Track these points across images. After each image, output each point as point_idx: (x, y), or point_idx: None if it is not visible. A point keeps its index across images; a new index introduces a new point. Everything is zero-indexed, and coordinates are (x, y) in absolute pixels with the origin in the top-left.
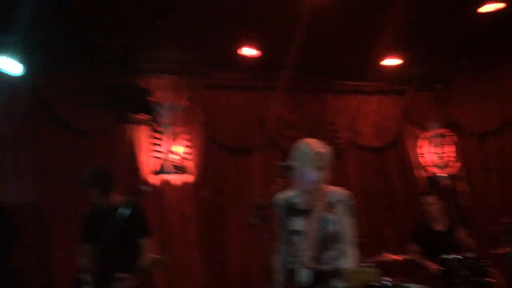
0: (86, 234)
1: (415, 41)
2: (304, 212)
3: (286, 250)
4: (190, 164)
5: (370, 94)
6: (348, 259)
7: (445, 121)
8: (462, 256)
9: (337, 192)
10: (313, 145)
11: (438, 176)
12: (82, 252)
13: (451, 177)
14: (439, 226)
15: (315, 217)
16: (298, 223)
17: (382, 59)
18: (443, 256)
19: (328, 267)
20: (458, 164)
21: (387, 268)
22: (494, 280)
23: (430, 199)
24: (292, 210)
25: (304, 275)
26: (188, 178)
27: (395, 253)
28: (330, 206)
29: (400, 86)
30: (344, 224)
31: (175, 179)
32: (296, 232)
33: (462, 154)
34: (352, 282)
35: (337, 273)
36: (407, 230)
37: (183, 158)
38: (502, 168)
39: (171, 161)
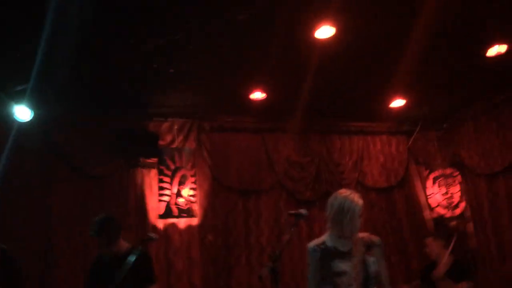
0: (92, 282)
1: (421, 82)
2: (347, 254)
3: None
4: (196, 207)
5: (377, 135)
6: None
7: (451, 161)
8: None
9: (371, 236)
10: (355, 198)
11: (444, 217)
12: None
13: (458, 218)
14: (442, 269)
15: (358, 258)
16: (343, 265)
17: (389, 101)
18: None
19: None
20: (464, 204)
21: None
22: None
23: (429, 240)
24: (336, 253)
25: None
26: (194, 221)
27: None
28: (368, 249)
29: (407, 126)
30: (381, 265)
31: (181, 222)
32: (341, 273)
33: (469, 194)
34: None
35: None
36: (417, 271)
37: (190, 201)
38: (511, 208)
39: (178, 204)
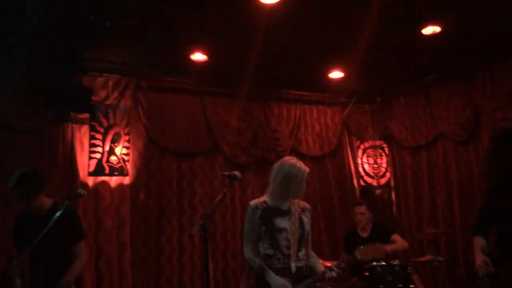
0: (16, 238)
1: (359, 56)
2: (287, 213)
3: (266, 249)
4: (129, 166)
5: (314, 104)
6: (316, 259)
7: (381, 133)
8: (388, 263)
9: (304, 202)
10: (302, 165)
11: (371, 185)
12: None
13: (383, 186)
14: (365, 233)
15: (295, 217)
16: (283, 222)
17: (328, 73)
18: (372, 263)
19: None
20: (392, 176)
21: None
22: (417, 286)
23: (360, 209)
24: (277, 211)
25: (293, 268)
26: (126, 180)
27: (328, 259)
28: (303, 211)
29: (343, 98)
30: (309, 228)
31: (113, 180)
32: (282, 230)
33: (394, 165)
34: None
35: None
36: (342, 237)
37: (122, 160)
38: (431, 180)
39: (110, 163)
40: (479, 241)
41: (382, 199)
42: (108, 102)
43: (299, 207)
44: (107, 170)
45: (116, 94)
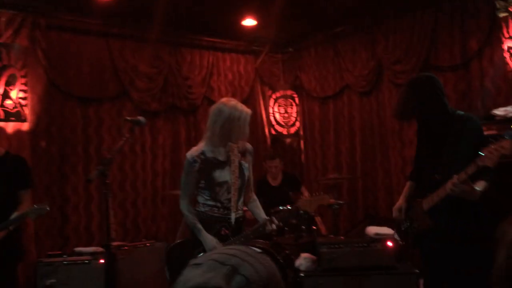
0: None
1: (271, 4)
2: (226, 163)
3: (206, 200)
4: (27, 111)
5: (227, 52)
6: (257, 203)
7: (292, 83)
8: (292, 207)
9: (245, 143)
10: (244, 106)
11: (281, 134)
12: None
13: (293, 135)
14: (276, 182)
15: (235, 165)
16: (223, 174)
17: (241, 19)
18: (278, 208)
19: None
20: (301, 125)
21: None
22: (319, 228)
23: (273, 162)
24: (216, 163)
25: (233, 219)
26: (25, 126)
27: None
28: (242, 155)
29: (256, 47)
30: (251, 171)
31: (9, 126)
32: (222, 183)
33: (303, 115)
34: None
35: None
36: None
37: (19, 104)
38: (336, 129)
39: (5, 107)
40: (407, 186)
41: (291, 148)
42: (1, 41)
43: (239, 152)
44: (1, 115)
45: (10, 32)
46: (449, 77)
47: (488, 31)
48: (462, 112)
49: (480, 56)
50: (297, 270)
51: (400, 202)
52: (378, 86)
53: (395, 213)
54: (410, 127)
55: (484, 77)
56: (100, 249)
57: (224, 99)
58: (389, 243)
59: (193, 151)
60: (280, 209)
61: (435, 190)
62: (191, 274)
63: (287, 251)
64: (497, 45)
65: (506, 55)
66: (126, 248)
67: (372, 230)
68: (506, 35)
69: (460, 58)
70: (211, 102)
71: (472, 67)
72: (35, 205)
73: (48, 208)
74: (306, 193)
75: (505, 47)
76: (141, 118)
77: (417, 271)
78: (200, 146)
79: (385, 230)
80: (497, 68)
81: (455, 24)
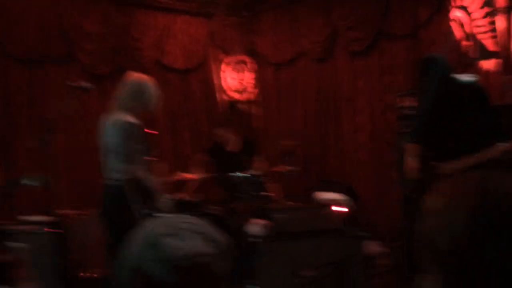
0: None
1: None
2: None
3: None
4: None
5: (180, 14)
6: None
7: (247, 48)
8: (246, 174)
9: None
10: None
11: (236, 100)
12: None
13: (249, 102)
14: (232, 147)
15: None
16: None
17: None
18: (231, 174)
19: None
20: (256, 91)
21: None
22: (272, 194)
23: (219, 131)
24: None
25: None
26: None
27: (191, 172)
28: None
29: (210, 9)
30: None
31: None
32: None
33: (259, 81)
34: None
35: None
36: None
37: None
38: (291, 95)
39: None
40: (412, 147)
41: (245, 114)
42: None
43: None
44: None
45: None
46: (401, 46)
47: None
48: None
49: (429, 25)
50: (248, 235)
51: (414, 162)
52: (333, 53)
53: (411, 174)
54: (362, 95)
55: (433, 46)
56: (47, 218)
57: (135, 73)
58: (338, 208)
59: (129, 118)
60: (232, 175)
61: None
62: (173, 243)
63: (238, 217)
64: (445, 14)
65: (453, 24)
66: (73, 216)
67: (322, 195)
68: (453, 4)
69: (410, 28)
70: (163, 66)
71: (422, 36)
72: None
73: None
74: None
75: (452, 16)
76: (86, 84)
77: (364, 233)
78: (127, 116)
79: (335, 196)
80: (446, 38)
81: None
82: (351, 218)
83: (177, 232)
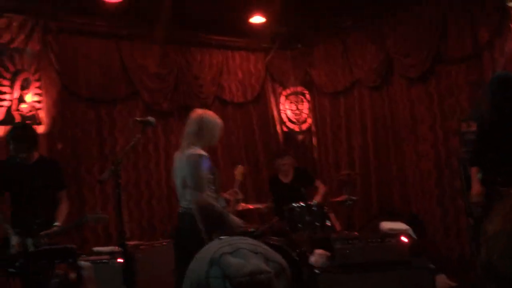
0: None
1: (279, 1)
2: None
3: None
4: (42, 114)
5: (236, 50)
6: None
7: (302, 79)
8: (306, 204)
9: None
10: (217, 119)
11: (293, 131)
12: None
13: (305, 132)
14: (288, 179)
15: None
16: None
17: (249, 17)
18: (293, 204)
19: None
20: (310, 120)
21: (245, 217)
22: (335, 224)
23: (282, 160)
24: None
25: None
26: (41, 129)
27: (252, 203)
28: None
29: (265, 44)
30: None
31: None
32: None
33: (315, 111)
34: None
35: None
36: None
37: (34, 108)
38: (348, 124)
39: (20, 111)
40: (475, 172)
41: (303, 145)
42: (13, 46)
43: None
44: (17, 119)
45: (22, 36)
46: (461, 69)
47: (498, 21)
48: None
49: (491, 47)
50: (312, 267)
51: (478, 187)
52: (388, 80)
53: (476, 198)
54: (423, 122)
55: (495, 68)
56: (117, 248)
57: (199, 110)
58: (404, 238)
59: (200, 151)
60: (293, 206)
61: None
62: (236, 261)
63: (302, 248)
64: (507, 35)
65: None
66: (142, 247)
67: (386, 225)
68: None
69: (471, 49)
70: (222, 101)
71: (483, 57)
72: (96, 213)
73: (107, 217)
74: (321, 187)
75: None
76: (150, 118)
77: (432, 266)
78: (198, 150)
79: (399, 225)
80: (508, 58)
81: (464, 15)
82: (418, 249)
83: (239, 251)
